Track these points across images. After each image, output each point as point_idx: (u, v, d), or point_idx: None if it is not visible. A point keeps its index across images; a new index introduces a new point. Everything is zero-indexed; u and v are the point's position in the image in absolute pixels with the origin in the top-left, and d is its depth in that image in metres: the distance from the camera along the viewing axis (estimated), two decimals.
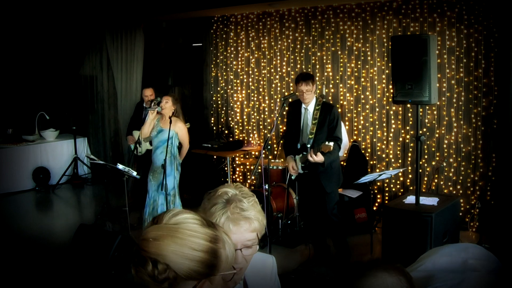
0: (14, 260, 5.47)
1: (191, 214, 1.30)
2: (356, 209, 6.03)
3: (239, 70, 7.80)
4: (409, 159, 6.29)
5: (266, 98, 7.54)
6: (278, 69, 7.35)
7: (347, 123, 6.66)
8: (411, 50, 4.62)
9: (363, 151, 6.57)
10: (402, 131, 6.34)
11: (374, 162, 6.56)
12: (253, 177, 7.23)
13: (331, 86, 6.82)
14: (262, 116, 7.62)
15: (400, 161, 6.38)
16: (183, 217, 1.28)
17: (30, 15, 8.59)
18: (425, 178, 6.16)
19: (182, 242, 1.22)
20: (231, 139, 7.88)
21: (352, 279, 1.39)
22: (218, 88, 8.08)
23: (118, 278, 4.75)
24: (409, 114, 6.25)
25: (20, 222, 6.91)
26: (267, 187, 5.48)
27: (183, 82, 8.91)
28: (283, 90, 7.32)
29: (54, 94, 9.56)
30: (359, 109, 6.63)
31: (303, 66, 7.01)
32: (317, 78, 6.77)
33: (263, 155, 6.58)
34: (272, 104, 7.51)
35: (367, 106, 6.56)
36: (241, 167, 7.96)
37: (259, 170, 6.57)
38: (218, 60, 8.03)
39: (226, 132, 8.04)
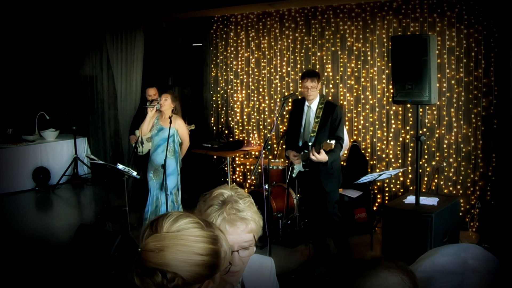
0: (14, 260, 5.47)
1: (190, 218, 1.30)
2: (356, 209, 6.02)
3: (239, 70, 7.79)
4: (409, 159, 6.29)
5: (266, 98, 7.54)
6: (278, 69, 7.34)
7: (347, 123, 6.65)
8: (411, 50, 4.62)
9: (363, 151, 6.57)
10: (402, 131, 6.34)
11: (374, 162, 6.56)
12: (253, 177, 7.23)
13: (331, 86, 6.81)
14: (262, 116, 7.62)
15: (400, 161, 6.38)
16: (184, 222, 1.28)
17: (30, 15, 8.59)
18: (425, 178, 6.16)
19: (188, 249, 1.23)
20: (231, 139, 7.87)
21: (353, 278, 1.38)
22: (218, 88, 8.07)
23: (118, 278, 4.75)
24: (409, 114, 6.25)
25: (20, 222, 6.91)
26: (267, 187, 5.48)
27: (183, 82, 8.91)
28: (283, 90, 7.32)
29: (54, 94, 9.56)
30: (359, 109, 6.63)
31: (303, 66, 7.01)
32: None
33: (263, 155, 6.58)
34: (272, 104, 7.51)
35: (367, 106, 6.56)
36: (241, 167, 7.95)
37: (259, 170, 6.57)
38: (218, 60, 8.03)
39: (226, 132, 8.04)
